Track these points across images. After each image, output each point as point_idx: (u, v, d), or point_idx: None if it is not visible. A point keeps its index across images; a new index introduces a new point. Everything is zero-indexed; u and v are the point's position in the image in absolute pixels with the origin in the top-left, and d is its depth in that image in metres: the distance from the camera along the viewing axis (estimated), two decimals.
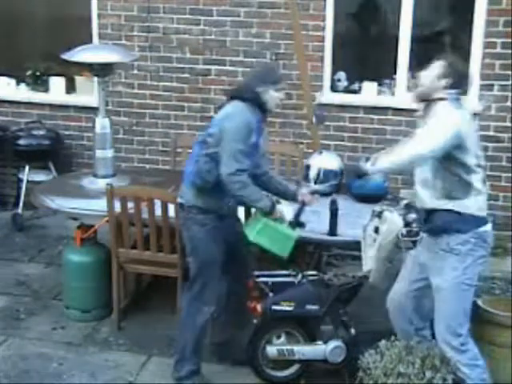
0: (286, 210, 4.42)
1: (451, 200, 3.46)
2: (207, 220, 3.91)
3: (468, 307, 3.58)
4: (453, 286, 3.50)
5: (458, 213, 3.45)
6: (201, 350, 4.09)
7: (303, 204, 4.06)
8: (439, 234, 3.52)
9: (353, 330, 4.10)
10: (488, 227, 3.53)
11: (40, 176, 6.42)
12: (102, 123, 5.21)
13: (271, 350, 4.03)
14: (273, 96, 3.88)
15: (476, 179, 3.46)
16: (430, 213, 3.54)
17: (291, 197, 4.13)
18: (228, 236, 4.01)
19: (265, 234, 3.91)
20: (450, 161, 3.42)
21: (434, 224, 3.53)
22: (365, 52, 6.65)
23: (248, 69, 6.21)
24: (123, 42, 6.41)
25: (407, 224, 3.81)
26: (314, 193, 4.25)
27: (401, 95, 6.09)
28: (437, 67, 3.53)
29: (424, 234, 3.66)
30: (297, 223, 4.00)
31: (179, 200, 4.01)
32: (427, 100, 3.53)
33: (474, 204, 3.46)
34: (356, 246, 4.08)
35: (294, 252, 4.83)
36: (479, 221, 3.49)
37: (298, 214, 4.03)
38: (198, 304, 4.01)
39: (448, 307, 3.54)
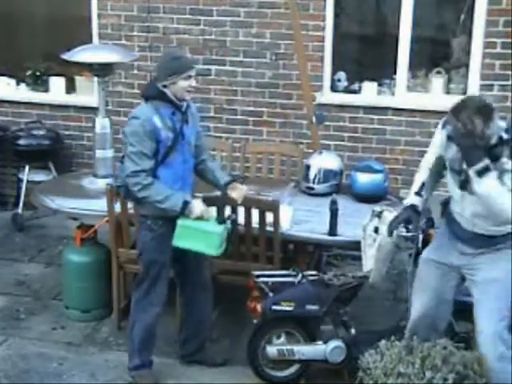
0: (287, 209, 4.43)
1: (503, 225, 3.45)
2: (155, 226, 3.92)
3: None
4: (508, 277, 3.50)
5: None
6: (148, 348, 4.16)
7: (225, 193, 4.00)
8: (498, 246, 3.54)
9: (353, 330, 4.09)
10: None
11: (40, 176, 6.42)
12: (101, 123, 5.21)
13: (271, 350, 4.03)
14: (182, 86, 3.82)
15: None
16: (487, 237, 3.52)
17: (221, 190, 4.05)
18: None
19: (184, 235, 3.81)
20: None
21: (495, 245, 3.52)
22: (365, 52, 6.65)
23: (248, 69, 6.23)
24: (123, 41, 6.41)
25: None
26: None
27: (401, 95, 6.09)
28: None
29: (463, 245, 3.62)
30: (221, 219, 3.91)
31: None
32: None
33: None
34: (356, 245, 4.08)
35: (293, 252, 4.86)
36: None
37: (220, 209, 3.94)
38: (145, 304, 4.08)
39: (503, 299, 3.51)
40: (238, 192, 4.04)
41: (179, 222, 3.81)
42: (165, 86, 3.82)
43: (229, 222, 3.97)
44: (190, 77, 3.87)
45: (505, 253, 3.54)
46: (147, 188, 3.76)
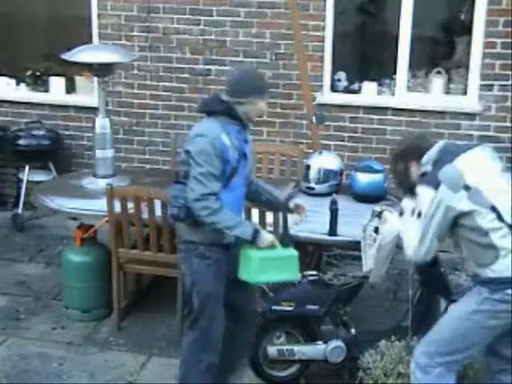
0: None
1: (483, 267, 3.23)
2: (210, 253, 3.55)
3: (461, 348, 3.33)
4: (456, 318, 3.35)
5: (490, 278, 3.22)
6: None
7: (290, 212, 3.83)
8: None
9: (353, 330, 4.09)
10: None
11: (40, 176, 6.42)
12: (101, 123, 5.20)
13: (271, 350, 4.03)
14: (260, 107, 3.55)
15: (499, 237, 3.17)
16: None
17: (282, 206, 3.84)
18: (231, 269, 3.61)
19: (266, 269, 3.50)
20: (458, 228, 3.27)
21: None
22: (365, 52, 6.66)
23: None
24: (123, 42, 6.41)
25: None
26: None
27: (401, 95, 6.09)
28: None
29: None
30: (289, 238, 3.79)
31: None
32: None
33: (508, 265, 3.17)
34: (356, 245, 4.08)
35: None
36: (508, 283, 3.19)
37: (285, 227, 3.81)
38: (200, 347, 3.69)
39: (441, 332, 3.39)
40: (301, 210, 3.86)
41: (256, 256, 3.47)
42: (239, 103, 3.49)
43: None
44: (267, 99, 3.61)
45: (472, 292, 3.33)
46: (217, 213, 3.39)
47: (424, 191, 3.27)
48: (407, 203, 3.50)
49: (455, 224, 3.25)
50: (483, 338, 3.34)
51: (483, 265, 3.23)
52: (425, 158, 3.36)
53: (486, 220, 3.18)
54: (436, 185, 3.21)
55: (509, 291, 3.18)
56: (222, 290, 3.64)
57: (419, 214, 3.28)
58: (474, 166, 3.27)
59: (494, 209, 3.18)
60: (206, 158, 3.40)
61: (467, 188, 3.19)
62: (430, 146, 3.39)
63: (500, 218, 3.19)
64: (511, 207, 3.21)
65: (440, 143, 3.40)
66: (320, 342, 4.04)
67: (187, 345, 3.74)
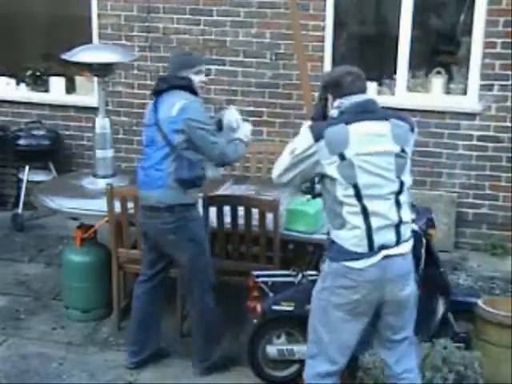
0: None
1: (332, 229, 3.21)
2: (196, 212, 4.10)
3: (325, 335, 3.29)
4: (313, 301, 3.37)
5: (333, 241, 3.19)
6: None
7: None
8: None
9: None
10: (360, 264, 3.11)
11: (40, 176, 6.42)
12: (101, 123, 5.21)
13: (271, 350, 4.03)
14: (194, 80, 4.01)
15: (348, 212, 3.11)
16: None
17: None
18: None
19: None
20: (322, 184, 3.26)
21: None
22: (365, 52, 6.66)
23: (248, 69, 6.24)
24: (123, 41, 6.42)
25: None
26: None
27: (401, 95, 6.09)
28: None
29: None
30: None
31: (155, 204, 4.00)
32: None
33: (349, 238, 3.12)
34: None
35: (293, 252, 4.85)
36: (350, 255, 3.12)
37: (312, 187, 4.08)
38: (209, 291, 4.16)
39: (311, 317, 3.40)
40: None
41: (311, 210, 4.38)
42: (196, 73, 4.03)
43: None
44: (199, 72, 4.06)
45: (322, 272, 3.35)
46: (234, 145, 4.15)
47: (306, 134, 3.20)
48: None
49: (321, 179, 3.24)
50: (341, 324, 3.24)
51: (332, 227, 3.20)
52: (337, 102, 3.25)
53: (344, 193, 3.11)
54: (318, 137, 3.14)
55: (345, 263, 3.13)
56: None
57: (293, 151, 3.23)
58: (365, 138, 3.13)
59: (355, 186, 3.10)
60: (204, 118, 3.96)
61: (342, 157, 3.10)
62: (353, 91, 3.25)
63: (358, 197, 3.10)
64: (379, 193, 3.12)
65: (360, 98, 3.24)
66: None
67: (198, 302, 4.19)
